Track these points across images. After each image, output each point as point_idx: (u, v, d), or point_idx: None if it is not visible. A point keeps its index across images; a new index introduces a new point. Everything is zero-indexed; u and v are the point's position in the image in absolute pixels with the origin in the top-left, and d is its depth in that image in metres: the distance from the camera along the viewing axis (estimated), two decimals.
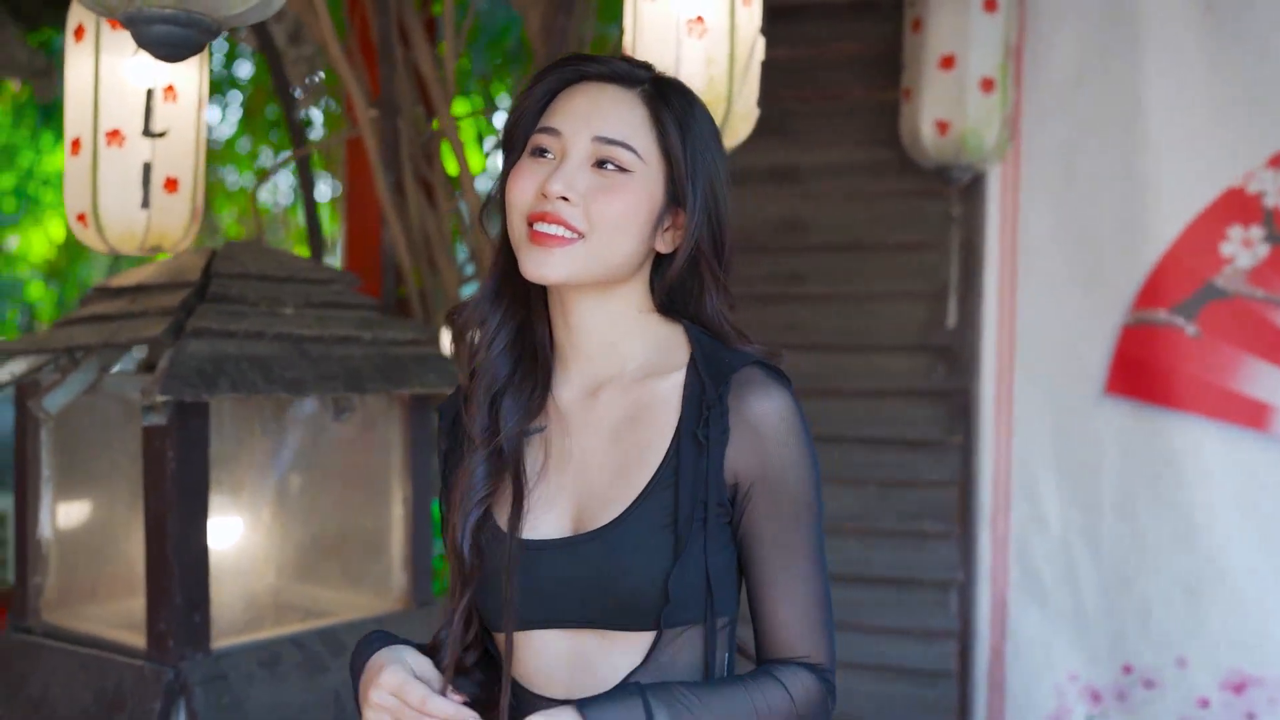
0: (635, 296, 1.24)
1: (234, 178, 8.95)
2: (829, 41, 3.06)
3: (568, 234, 1.16)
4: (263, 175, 6.59)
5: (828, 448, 3.05)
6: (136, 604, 2.29)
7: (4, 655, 2.42)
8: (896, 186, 3.01)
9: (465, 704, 1.18)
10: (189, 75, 2.30)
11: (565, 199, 1.16)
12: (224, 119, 9.48)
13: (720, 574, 1.18)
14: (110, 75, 2.21)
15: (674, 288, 1.24)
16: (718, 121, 2.11)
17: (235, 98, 7.53)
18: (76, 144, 2.23)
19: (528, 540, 1.20)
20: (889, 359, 3.02)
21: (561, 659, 1.19)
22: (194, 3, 1.04)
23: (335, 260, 4.41)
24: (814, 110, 3.09)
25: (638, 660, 1.17)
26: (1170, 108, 2.89)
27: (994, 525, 3.01)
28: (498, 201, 1.24)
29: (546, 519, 1.21)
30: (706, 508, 1.16)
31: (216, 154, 8.65)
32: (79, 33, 2.21)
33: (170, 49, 1.06)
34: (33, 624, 2.40)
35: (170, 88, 2.26)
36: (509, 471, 1.22)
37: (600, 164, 1.18)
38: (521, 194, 1.19)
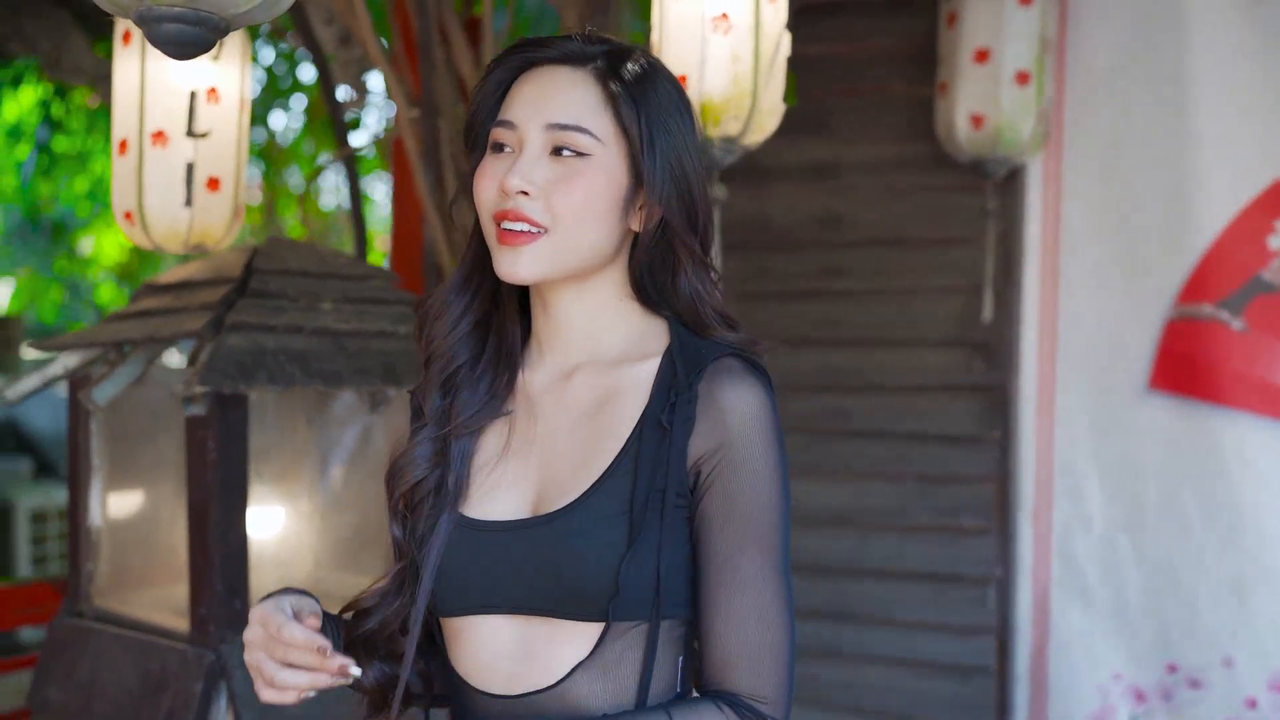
0: (616, 282, 1.20)
1: (296, 179, 9.13)
2: (865, 37, 3.06)
3: (532, 229, 1.13)
4: (312, 175, 6.72)
5: (865, 443, 3.06)
6: (181, 590, 2.36)
7: (59, 639, 2.52)
8: (933, 181, 3.00)
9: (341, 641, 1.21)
10: (231, 77, 2.37)
11: (525, 193, 1.13)
12: (288, 122, 9.67)
13: (674, 571, 1.12)
14: (155, 78, 2.28)
15: (650, 266, 1.19)
16: (743, 118, 2.14)
17: (299, 101, 7.66)
18: (124, 145, 2.31)
19: (479, 521, 1.17)
20: (926, 354, 3.01)
21: (504, 649, 1.15)
22: (202, 1, 1.04)
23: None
24: (851, 106, 3.09)
25: (584, 653, 1.12)
26: (1217, 98, 2.84)
27: (1036, 521, 2.99)
28: (467, 196, 1.21)
29: (503, 501, 1.17)
30: (664, 496, 1.11)
31: (280, 156, 8.83)
32: (126, 37, 2.29)
33: (180, 47, 1.06)
34: (85, 609, 2.49)
35: (213, 90, 2.33)
36: (453, 454, 1.19)
37: (557, 151, 1.14)
38: (485, 192, 1.16)
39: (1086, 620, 2.97)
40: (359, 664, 1.15)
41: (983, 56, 2.63)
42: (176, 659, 2.25)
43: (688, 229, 1.18)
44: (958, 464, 2.98)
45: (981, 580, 2.95)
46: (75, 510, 2.48)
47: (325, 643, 1.11)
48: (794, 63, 3.04)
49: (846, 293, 3.07)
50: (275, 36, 4.91)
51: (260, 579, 2.36)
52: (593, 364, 1.20)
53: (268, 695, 1.13)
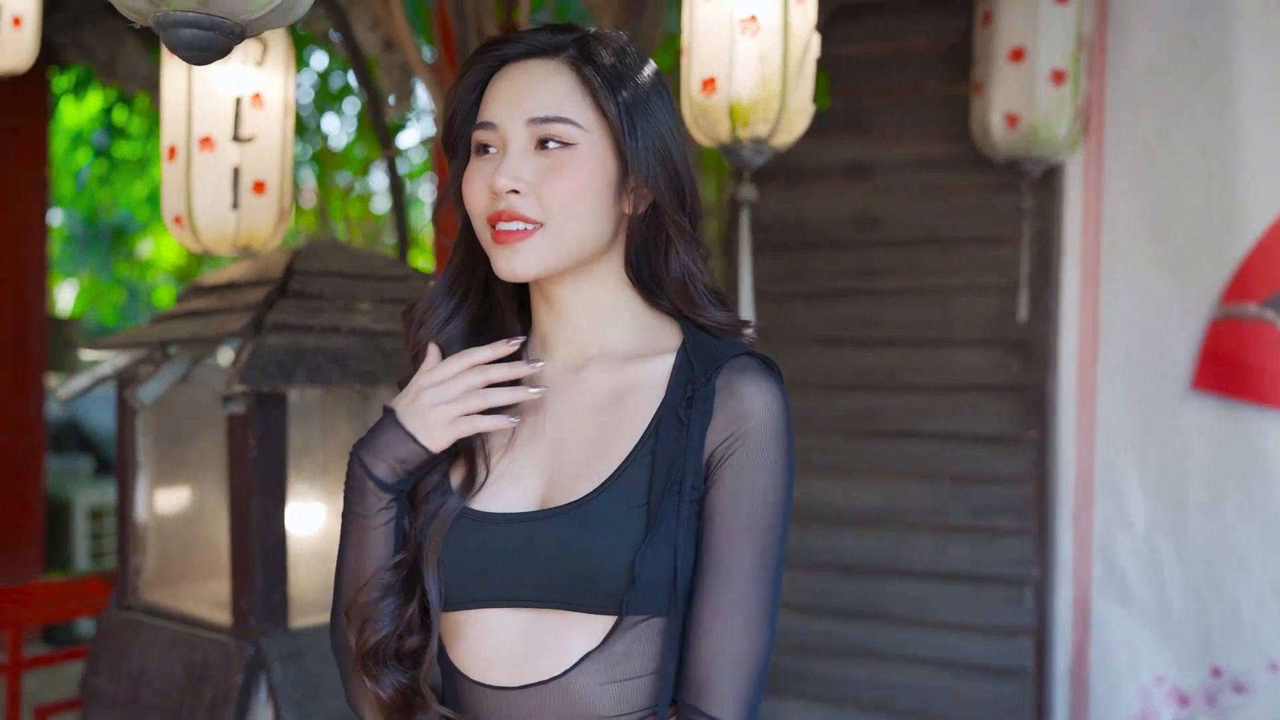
0: (615, 269, 1.19)
1: (348, 183, 9.25)
2: (902, 37, 3.06)
3: (527, 226, 1.12)
4: (361, 171, 6.81)
5: (901, 442, 3.06)
6: (224, 584, 2.42)
7: (109, 630, 2.59)
8: (970, 181, 2.99)
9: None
10: (275, 83, 2.43)
11: (515, 191, 1.12)
12: (341, 126, 9.80)
13: (688, 568, 1.11)
14: (202, 85, 2.34)
15: (644, 248, 1.19)
16: (771, 119, 2.15)
17: (353, 105, 7.77)
18: (173, 151, 2.37)
19: (486, 513, 1.15)
20: (962, 354, 3.00)
21: (508, 642, 1.13)
22: (216, 6, 1.05)
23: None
24: (887, 105, 3.09)
25: (591, 645, 1.11)
26: (1262, 96, 2.81)
27: (1076, 522, 2.97)
28: (452, 201, 1.21)
29: (510, 493, 1.16)
30: (681, 489, 1.10)
31: (334, 159, 8.96)
32: None
33: (197, 52, 1.07)
34: (133, 602, 2.55)
35: (257, 95, 2.39)
36: (461, 449, 1.19)
37: (542, 144, 1.13)
38: (475, 196, 1.15)
39: (1128, 621, 2.95)
40: (369, 674, 1.17)
41: (1018, 55, 2.62)
42: (218, 651, 2.30)
43: (678, 208, 1.17)
44: (994, 464, 2.97)
45: (1018, 581, 2.94)
46: (123, 506, 2.56)
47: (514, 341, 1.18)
48: (830, 63, 3.05)
49: (882, 292, 3.07)
50: (325, 42, 4.99)
51: (299, 574, 2.41)
52: (604, 359, 1.19)
53: (454, 432, 1.15)
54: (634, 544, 1.08)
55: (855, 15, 3.05)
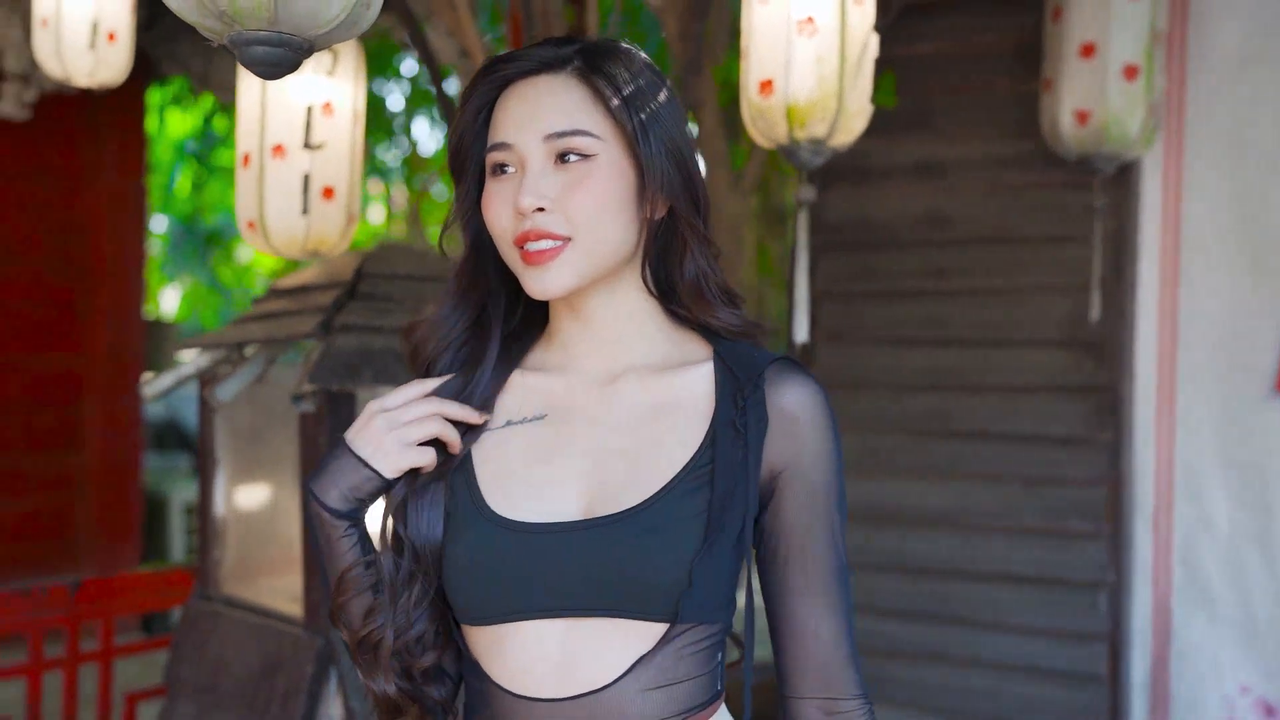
0: (637, 276, 1.20)
1: (438, 188, 9.42)
2: (972, 35, 3.03)
3: (555, 243, 1.12)
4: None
5: (971, 443, 3.03)
6: (297, 577, 2.50)
7: (191, 620, 2.69)
8: (1041, 179, 2.95)
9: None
10: (345, 92, 2.50)
11: (540, 209, 1.12)
12: (431, 131, 9.99)
13: (735, 575, 1.14)
14: (275, 95, 2.42)
15: (661, 253, 1.19)
16: (829, 120, 2.15)
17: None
18: (247, 158, 2.45)
19: (526, 523, 1.14)
20: (1033, 354, 2.96)
21: (552, 653, 1.12)
22: (285, 24, 1.10)
23: None
24: (958, 104, 3.06)
25: (640, 653, 1.11)
26: None
27: (1156, 526, 2.91)
28: (458, 224, 1.22)
29: (548, 503, 1.15)
30: (746, 500, 1.13)
31: (424, 165, 9.14)
32: None
33: (269, 68, 1.12)
34: (213, 594, 2.65)
35: (328, 104, 2.46)
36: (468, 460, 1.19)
37: (561, 159, 1.13)
38: (499, 219, 1.15)
39: (1211, 629, 2.88)
40: (361, 668, 1.18)
41: (1088, 51, 2.58)
42: (291, 642, 2.38)
43: (693, 211, 1.18)
44: (1066, 466, 2.92)
45: (1092, 585, 2.88)
46: (204, 501, 2.66)
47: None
48: (898, 62, 3.04)
49: (952, 292, 3.04)
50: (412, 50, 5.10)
51: None
52: (637, 370, 1.19)
53: (409, 458, 1.16)
54: (689, 553, 1.10)
55: (924, 14, 3.02)
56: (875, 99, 2.97)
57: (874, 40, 2.18)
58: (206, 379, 2.59)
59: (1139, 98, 2.58)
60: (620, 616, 1.11)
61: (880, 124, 3.05)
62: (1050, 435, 2.92)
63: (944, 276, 3.05)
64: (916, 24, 3.05)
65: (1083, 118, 2.59)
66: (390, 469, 1.17)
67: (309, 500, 1.20)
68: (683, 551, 1.10)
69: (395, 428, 1.16)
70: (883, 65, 2.99)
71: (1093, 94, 2.57)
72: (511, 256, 1.15)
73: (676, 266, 1.19)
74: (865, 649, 3.07)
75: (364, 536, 1.21)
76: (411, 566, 1.17)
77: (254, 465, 2.71)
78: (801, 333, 2.27)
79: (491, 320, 1.23)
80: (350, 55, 2.50)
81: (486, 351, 1.22)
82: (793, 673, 1.18)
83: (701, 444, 1.14)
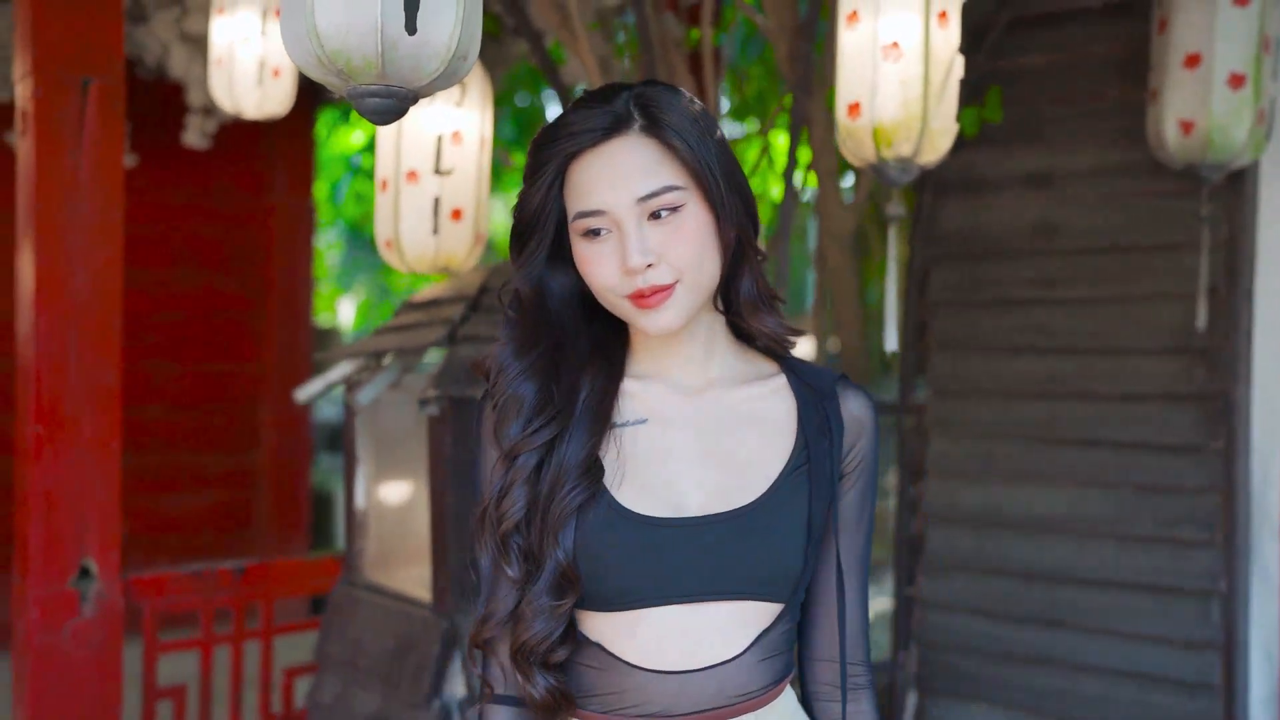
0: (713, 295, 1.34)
1: None
2: (1083, 46, 3.05)
3: (666, 289, 1.25)
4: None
5: (1081, 450, 3.05)
6: (427, 566, 2.73)
7: (337, 604, 2.96)
8: (1151, 187, 2.95)
9: None
10: (472, 120, 2.71)
11: (650, 265, 1.24)
12: None
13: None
14: (409, 126, 2.65)
15: (730, 277, 1.32)
16: (914, 139, 2.25)
17: None
18: (384, 183, 2.69)
19: (658, 518, 1.28)
20: (1143, 362, 2.96)
21: (685, 632, 1.27)
22: (392, 78, 1.27)
23: None
24: (1067, 114, 3.09)
25: (762, 628, 1.29)
26: None
27: None
28: (524, 283, 1.33)
29: (669, 500, 1.29)
30: (833, 493, 1.33)
31: None
32: None
33: (381, 116, 1.30)
34: (356, 579, 2.91)
35: (457, 133, 2.68)
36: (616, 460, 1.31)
37: (654, 215, 1.25)
38: (606, 278, 1.26)
39: None
40: (526, 678, 1.27)
41: (1193, 61, 2.58)
42: (420, 625, 2.61)
43: (754, 232, 1.32)
44: (1177, 474, 2.91)
45: (1204, 593, 2.87)
46: (348, 496, 2.92)
47: None
48: (1008, 75, 3.09)
49: (1060, 300, 3.07)
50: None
51: None
52: (719, 383, 1.35)
53: None
54: (800, 543, 1.30)
55: (1029, 27, 3.06)
56: (984, 114, 3.04)
57: (959, 62, 2.27)
58: (351, 384, 2.85)
59: (1246, 106, 2.57)
60: (745, 599, 1.28)
61: (991, 136, 3.12)
62: (1161, 442, 2.92)
63: (1054, 285, 3.08)
64: (1023, 38, 3.09)
65: (1187, 128, 2.60)
66: None
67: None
68: (795, 542, 1.29)
69: None
70: (989, 80, 3.06)
71: (1197, 104, 2.58)
72: (620, 305, 1.28)
73: (736, 281, 1.33)
74: (977, 651, 3.13)
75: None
76: (551, 567, 1.27)
77: (391, 464, 2.96)
78: (892, 342, 2.37)
79: (566, 346, 1.34)
80: (477, 88, 2.72)
81: (578, 368, 1.32)
82: (816, 637, 1.38)
83: (794, 449, 1.32)
